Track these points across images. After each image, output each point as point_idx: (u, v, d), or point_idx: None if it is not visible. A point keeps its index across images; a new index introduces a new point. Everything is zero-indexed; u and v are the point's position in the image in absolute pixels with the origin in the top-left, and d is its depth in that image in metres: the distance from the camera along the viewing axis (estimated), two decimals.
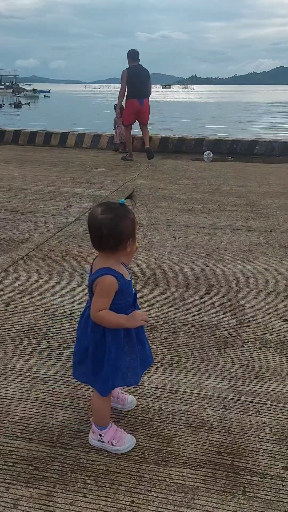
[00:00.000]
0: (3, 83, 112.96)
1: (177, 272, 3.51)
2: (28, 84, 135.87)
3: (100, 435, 1.77)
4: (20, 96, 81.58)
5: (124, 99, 8.22)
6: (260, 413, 2.02)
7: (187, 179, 7.02)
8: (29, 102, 69.00)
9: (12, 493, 1.58)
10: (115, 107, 8.98)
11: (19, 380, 2.17)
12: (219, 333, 2.66)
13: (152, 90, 8.56)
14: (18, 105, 63.05)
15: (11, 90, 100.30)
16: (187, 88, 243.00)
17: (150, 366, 1.87)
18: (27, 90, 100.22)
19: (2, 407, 1.99)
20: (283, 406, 2.06)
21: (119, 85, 8.29)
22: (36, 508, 1.53)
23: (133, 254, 1.73)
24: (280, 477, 1.70)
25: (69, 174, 7.13)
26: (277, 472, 1.72)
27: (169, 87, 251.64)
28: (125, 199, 1.63)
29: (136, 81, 8.05)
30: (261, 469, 1.72)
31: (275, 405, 2.07)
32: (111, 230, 1.56)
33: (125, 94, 8.14)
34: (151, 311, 2.87)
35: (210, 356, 2.42)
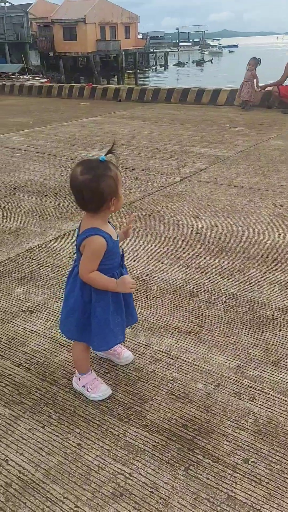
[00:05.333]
0: (191, 40, 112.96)
1: (255, 242, 3.28)
2: (216, 39, 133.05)
3: (79, 379, 1.90)
4: (204, 53, 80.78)
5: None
6: (254, 400, 1.87)
7: None
8: (211, 59, 68.02)
9: None
10: None
11: (48, 318, 2.43)
12: (262, 312, 2.46)
13: None
14: (200, 62, 62.83)
15: (198, 46, 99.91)
16: None
17: (134, 324, 1.97)
18: (212, 46, 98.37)
19: (23, 338, 2.28)
20: (285, 400, 1.86)
21: None
22: (1, 425, 1.77)
23: (119, 209, 1.73)
24: (234, 467, 1.59)
25: (203, 133, 7.02)
26: (234, 462, 1.61)
27: None
28: (105, 154, 1.61)
29: None
30: (218, 454, 1.64)
31: (276, 397, 1.88)
32: (92, 192, 1.57)
33: None
34: (200, 279, 2.79)
35: (235, 333, 2.28)
